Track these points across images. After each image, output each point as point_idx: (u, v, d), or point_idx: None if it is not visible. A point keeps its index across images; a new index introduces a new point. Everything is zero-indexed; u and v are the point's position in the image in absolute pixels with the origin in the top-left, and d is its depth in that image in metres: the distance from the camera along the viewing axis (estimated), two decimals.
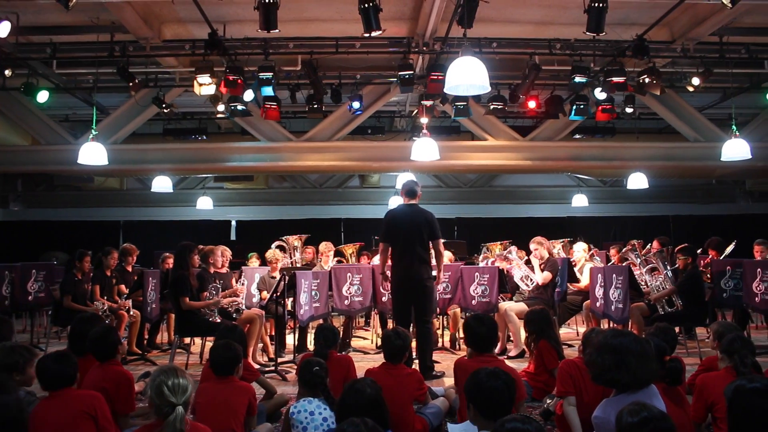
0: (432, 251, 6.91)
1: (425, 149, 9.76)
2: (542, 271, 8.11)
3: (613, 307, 7.34)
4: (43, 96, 9.96)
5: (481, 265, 8.93)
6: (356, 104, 10.11)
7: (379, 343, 7.56)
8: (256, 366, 6.44)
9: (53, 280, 8.71)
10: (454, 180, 17.29)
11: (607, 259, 9.65)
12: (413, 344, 6.39)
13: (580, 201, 15.47)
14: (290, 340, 8.46)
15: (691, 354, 7.24)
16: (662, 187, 15.82)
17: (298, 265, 9.36)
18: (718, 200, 16.95)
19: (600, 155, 11.72)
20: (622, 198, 16.44)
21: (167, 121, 12.36)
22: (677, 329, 7.31)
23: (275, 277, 7.88)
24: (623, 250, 8.83)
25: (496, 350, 7.81)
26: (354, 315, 8.94)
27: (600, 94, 9.44)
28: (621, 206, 16.80)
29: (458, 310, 8.13)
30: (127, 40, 8.78)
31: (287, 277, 7.06)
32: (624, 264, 8.04)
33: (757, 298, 7.51)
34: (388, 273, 6.98)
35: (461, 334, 7.90)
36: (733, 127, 9.40)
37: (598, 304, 7.77)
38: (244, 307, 7.59)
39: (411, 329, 6.75)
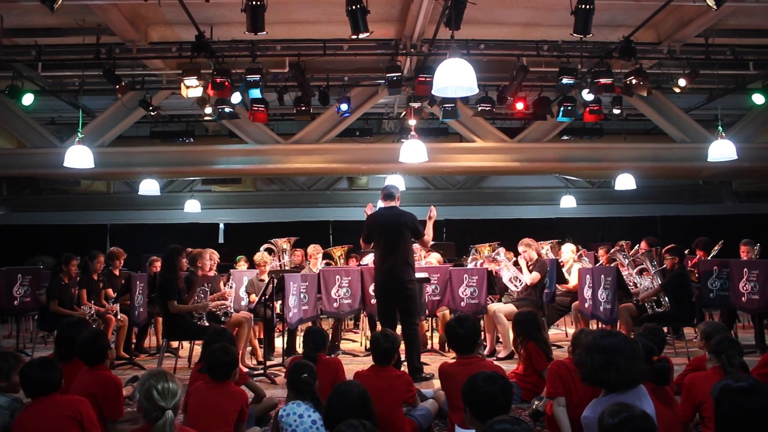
0: (415, 252, 6.95)
1: (413, 151, 9.76)
2: (530, 272, 8.12)
3: (601, 308, 7.36)
4: (28, 99, 9.91)
5: (470, 266, 8.94)
6: (344, 106, 10.10)
7: (368, 345, 7.55)
8: (245, 369, 6.42)
9: (39, 284, 8.63)
10: (443, 182, 17.31)
11: (595, 260, 9.69)
12: (401, 346, 6.39)
13: (568, 202, 15.53)
14: (279, 343, 8.44)
15: (679, 354, 7.27)
16: (650, 188, 15.91)
17: (287, 268, 9.33)
18: (705, 201, 17.06)
19: (588, 156, 11.76)
20: (610, 199, 16.51)
21: (154, 124, 12.30)
22: (665, 329, 7.36)
23: (264, 280, 7.86)
24: (611, 250, 8.87)
25: (486, 351, 7.83)
26: (343, 317, 8.92)
27: (587, 96, 9.48)
28: (609, 207, 16.88)
29: (447, 311, 8.13)
30: (113, 43, 8.73)
31: (276, 280, 7.03)
32: (612, 265, 8.07)
33: (743, 298, 7.56)
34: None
35: None
36: (719, 128, 9.47)
37: (586, 304, 7.80)
38: (232, 310, 7.56)
39: (398, 331, 6.74)
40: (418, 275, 7.17)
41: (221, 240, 16.59)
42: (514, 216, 16.56)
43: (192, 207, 15.33)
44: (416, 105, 10.19)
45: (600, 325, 7.59)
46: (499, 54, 9.21)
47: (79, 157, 8.81)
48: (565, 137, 12.25)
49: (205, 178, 15.59)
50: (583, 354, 3.30)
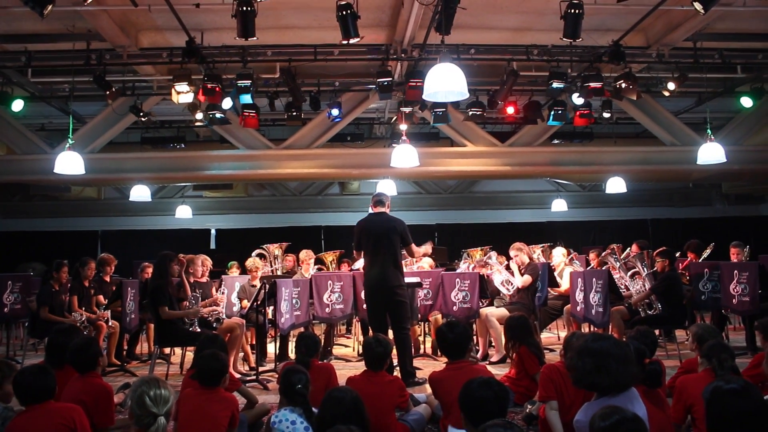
0: (406, 256, 6.96)
1: (405, 156, 9.78)
2: (522, 275, 8.14)
3: (593, 311, 7.38)
4: (18, 105, 9.86)
5: (462, 269, 8.95)
6: (335, 111, 10.10)
7: (361, 350, 7.54)
8: (237, 375, 6.40)
9: (30, 291, 8.58)
10: (434, 186, 17.33)
11: (586, 264, 9.72)
12: (393, 351, 6.39)
13: (559, 206, 15.57)
14: (271, 348, 8.42)
15: (671, 356, 7.30)
16: (640, 191, 15.98)
17: (279, 273, 9.31)
18: (695, 203, 17.16)
19: (578, 160, 11.81)
20: (601, 202, 16.57)
21: (145, 130, 12.26)
22: (657, 332, 7.39)
23: (255, 286, 7.84)
24: (603, 254, 8.90)
25: (479, 356, 7.84)
26: (335, 322, 8.90)
27: (577, 100, 9.51)
28: (600, 210, 16.93)
29: (439, 316, 8.13)
30: (103, 48, 8.72)
31: (267, 286, 7.02)
32: (603, 268, 8.10)
33: (734, 300, 7.60)
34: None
35: None
36: (708, 131, 9.53)
37: (578, 308, 7.82)
38: (224, 316, 7.55)
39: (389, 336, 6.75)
40: (410, 280, 7.18)
41: (213, 246, 16.56)
42: (506, 220, 16.60)
43: (183, 213, 15.29)
44: (407, 110, 10.21)
45: (592, 329, 7.61)
46: (490, 58, 9.26)
47: (69, 163, 8.77)
48: (556, 141, 12.29)
49: (196, 184, 15.54)
50: (575, 358, 3.31)
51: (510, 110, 9.93)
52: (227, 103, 9.36)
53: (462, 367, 4.50)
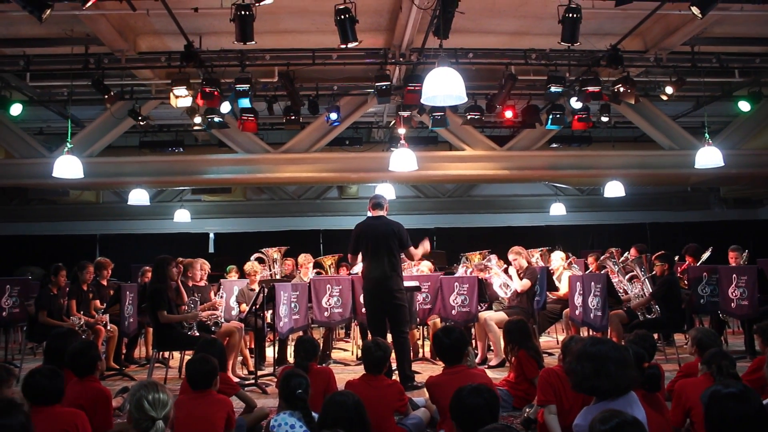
0: (405, 260, 6.94)
1: (403, 160, 9.78)
2: (521, 279, 8.13)
3: (592, 315, 7.38)
4: (16, 109, 9.87)
5: (460, 273, 8.95)
6: (334, 115, 10.11)
7: (360, 354, 7.53)
8: (236, 379, 6.40)
9: (28, 295, 8.56)
10: (433, 190, 17.33)
11: (585, 267, 9.71)
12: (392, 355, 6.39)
13: (557, 210, 15.57)
14: (270, 352, 8.41)
15: (670, 360, 7.30)
16: (639, 195, 15.98)
17: (277, 277, 9.31)
18: (693, 207, 17.17)
19: (577, 164, 11.82)
20: (600, 206, 16.57)
21: (143, 134, 12.27)
22: (656, 336, 7.39)
23: (254, 290, 7.84)
24: (601, 258, 8.90)
25: (477, 360, 7.83)
26: (334, 326, 8.90)
27: (576, 104, 9.53)
28: (598, 214, 16.94)
29: (438, 320, 8.13)
30: (102, 53, 8.72)
31: (266, 290, 7.01)
32: (602, 272, 8.10)
33: (732, 304, 7.60)
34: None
35: None
36: (706, 135, 9.54)
37: (577, 312, 7.81)
38: (223, 320, 7.53)
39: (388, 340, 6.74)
40: (408, 284, 7.18)
41: (211, 250, 16.54)
42: (504, 224, 16.61)
43: (182, 217, 15.27)
44: (405, 114, 10.22)
45: (591, 333, 7.61)
46: (488, 63, 9.27)
47: (67, 167, 8.76)
48: (554, 145, 12.30)
49: (194, 188, 15.55)
50: (573, 362, 3.31)
51: (508, 114, 9.95)
52: (226, 107, 9.36)
53: (459, 371, 4.51)
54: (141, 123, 10.16)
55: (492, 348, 7.88)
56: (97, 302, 8.23)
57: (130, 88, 10.18)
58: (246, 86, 8.56)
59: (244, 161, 11.28)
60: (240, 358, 7.71)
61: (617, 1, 6.44)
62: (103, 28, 8.04)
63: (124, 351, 8.45)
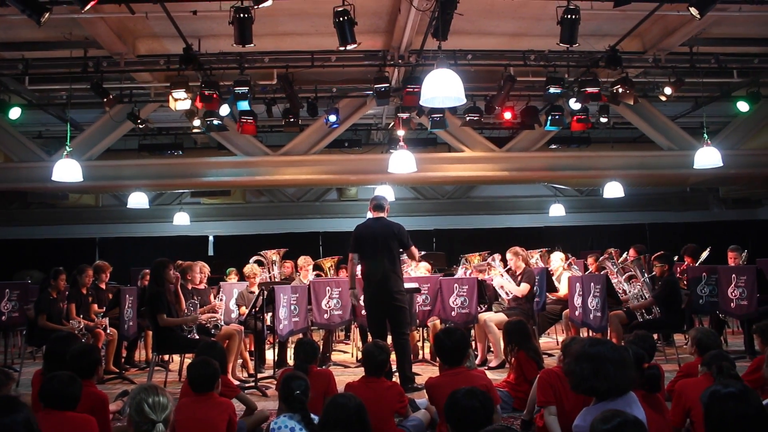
0: (406, 262, 6.95)
1: (402, 161, 9.78)
2: (519, 282, 8.13)
3: (591, 316, 7.38)
4: (15, 113, 9.86)
5: (459, 275, 8.95)
6: (333, 117, 10.11)
7: (360, 356, 7.53)
8: (236, 382, 6.39)
9: (27, 299, 8.56)
10: (432, 192, 17.34)
11: (584, 268, 9.72)
12: (392, 357, 6.39)
13: (557, 211, 15.59)
14: (270, 355, 8.40)
15: (670, 360, 7.30)
16: (638, 196, 15.99)
17: (277, 280, 9.30)
18: (692, 208, 17.18)
19: (576, 165, 11.83)
20: (599, 207, 16.57)
21: (142, 137, 12.27)
22: (655, 336, 7.39)
23: (254, 292, 7.84)
24: (600, 258, 8.90)
25: (477, 361, 7.83)
26: (334, 329, 8.90)
27: (575, 105, 9.54)
28: (597, 215, 16.95)
29: (438, 321, 8.13)
30: (100, 56, 8.73)
31: (266, 292, 7.01)
32: (601, 272, 8.10)
33: (732, 304, 7.60)
34: (357, 290, 6.96)
35: None
36: (705, 135, 9.55)
37: (576, 313, 7.82)
38: (222, 323, 7.53)
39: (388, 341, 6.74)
40: (408, 285, 7.18)
41: (211, 252, 16.53)
42: (504, 225, 16.61)
43: (181, 220, 15.27)
44: (404, 115, 10.22)
45: (590, 333, 7.61)
46: (487, 64, 9.28)
47: (67, 170, 8.76)
48: (553, 146, 12.31)
49: (194, 191, 15.53)
50: (572, 363, 3.31)
51: (507, 115, 9.95)
52: (225, 109, 9.36)
53: (459, 373, 4.50)
54: (140, 126, 10.15)
55: (492, 349, 7.87)
56: (95, 306, 8.22)
57: (129, 91, 10.18)
58: (245, 89, 8.57)
59: (244, 164, 11.28)
60: (240, 361, 7.70)
61: (616, 2, 6.45)
62: (101, 32, 8.04)
63: (123, 354, 8.43)
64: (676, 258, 9.25)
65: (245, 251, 10.43)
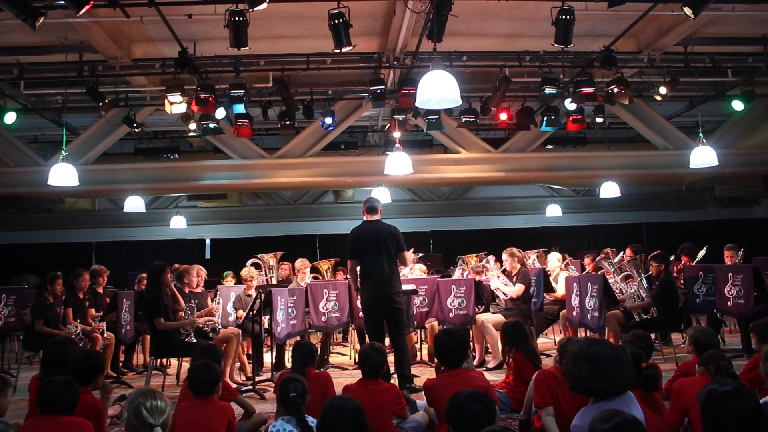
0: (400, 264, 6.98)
1: (398, 163, 9.78)
2: (514, 283, 8.14)
3: (589, 316, 7.39)
4: (10, 117, 9.85)
5: (457, 276, 8.95)
6: (328, 120, 10.11)
7: (357, 358, 7.53)
8: (234, 385, 6.38)
9: (24, 304, 8.53)
10: (428, 193, 17.35)
11: (581, 268, 9.73)
12: (390, 358, 6.38)
13: (553, 211, 15.59)
14: (268, 358, 8.39)
15: (668, 360, 7.31)
16: (634, 196, 16.02)
17: (274, 283, 9.30)
18: (688, 207, 17.23)
19: (572, 165, 11.86)
20: (595, 207, 16.61)
21: (138, 141, 12.26)
22: (653, 336, 7.40)
23: (251, 295, 7.83)
24: (597, 258, 8.91)
25: (475, 362, 7.83)
26: (331, 331, 8.88)
27: (570, 105, 9.55)
28: (594, 215, 16.98)
29: (436, 323, 8.13)
30: (96, 60, 8.72)
31: (263, 295, 7.01)
32: (598, 272, 8.11)
33: (729, 303, 7.62)
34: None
35: None
36: (700, 134, 9.57)
37: (574, 313, 7.82)
38: (220, 326, 7.52)
39: (386, 343, 6.75)
40: (406, 287, 7.18)
41: (208, 256, 16.50)
42: (500, 226, 16.61)
43: (178, 223, 15.25)
44: (400, 117, 10.22)
45: (588, 333, 7.61)
46: (482, 65, 9.29)
47: (63, 175, 8.75)
48: (549, 147, 12.34)
49: (190, 194, 15.53)
50: (570, 363, 3.32)
51: (503, 116, 9.97)
52: (220, 113, 9.36)
53: (458, 374, 4.51)
54: (136, 130, 10.14)
55: (490, 350, 7.88)
56: (92, 310, 8.21)
57: (124, 95, 10.18)
58: (240, 92, 8.58)
59: (240, 167, 11.28)
60: (237, 364, 7.69)
61: (610, 2, 6.46)
62: (97, 36, 8.03)
63: (121, 358, 8.43)
64: (672, 257, 9.26)
65: (242, 254, 10.42)
